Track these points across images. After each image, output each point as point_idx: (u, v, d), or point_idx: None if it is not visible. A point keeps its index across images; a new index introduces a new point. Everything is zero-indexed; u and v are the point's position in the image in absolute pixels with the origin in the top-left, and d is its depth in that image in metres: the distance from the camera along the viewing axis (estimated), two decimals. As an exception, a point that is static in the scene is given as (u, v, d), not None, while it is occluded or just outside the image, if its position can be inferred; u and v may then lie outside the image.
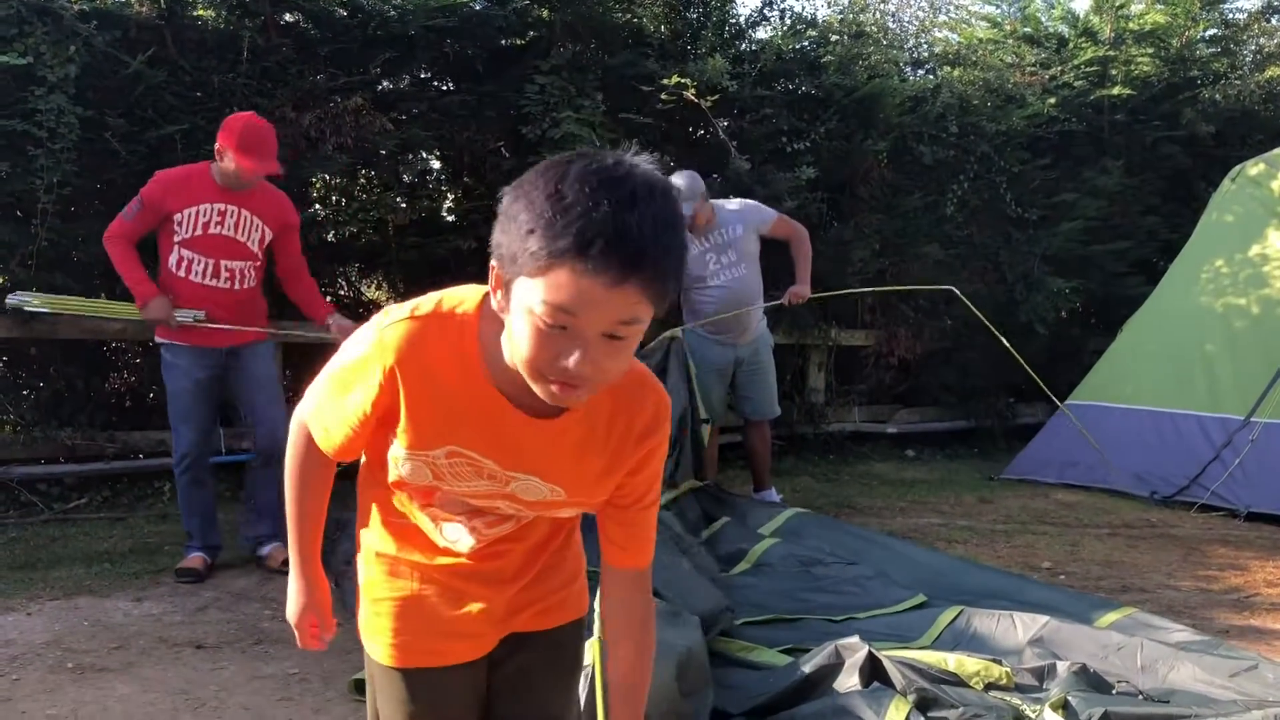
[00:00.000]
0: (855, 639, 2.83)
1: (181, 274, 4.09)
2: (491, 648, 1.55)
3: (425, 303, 1.35)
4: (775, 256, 5.64)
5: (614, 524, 1.50)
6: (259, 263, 4.26)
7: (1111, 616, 3.51)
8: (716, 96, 6.25)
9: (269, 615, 3.76)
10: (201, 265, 4.11)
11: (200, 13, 5.42)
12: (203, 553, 4.24)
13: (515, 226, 1.16)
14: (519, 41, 6.37)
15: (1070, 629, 3.23)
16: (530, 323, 1.17)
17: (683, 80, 6.10)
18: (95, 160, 5.09)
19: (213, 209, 4.08)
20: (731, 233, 5.31)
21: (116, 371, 5.88)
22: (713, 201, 5.36)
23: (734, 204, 5.47)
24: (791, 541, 4.35)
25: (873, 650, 2.76)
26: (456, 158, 6.47)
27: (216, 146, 4.05)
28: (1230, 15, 8.94)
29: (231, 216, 4.12)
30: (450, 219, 6.65)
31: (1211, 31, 8.85)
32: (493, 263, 1.23)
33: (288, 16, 5.68)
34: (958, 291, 5.62)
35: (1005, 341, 5.48)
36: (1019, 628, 3.25)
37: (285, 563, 3.15)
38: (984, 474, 7.06)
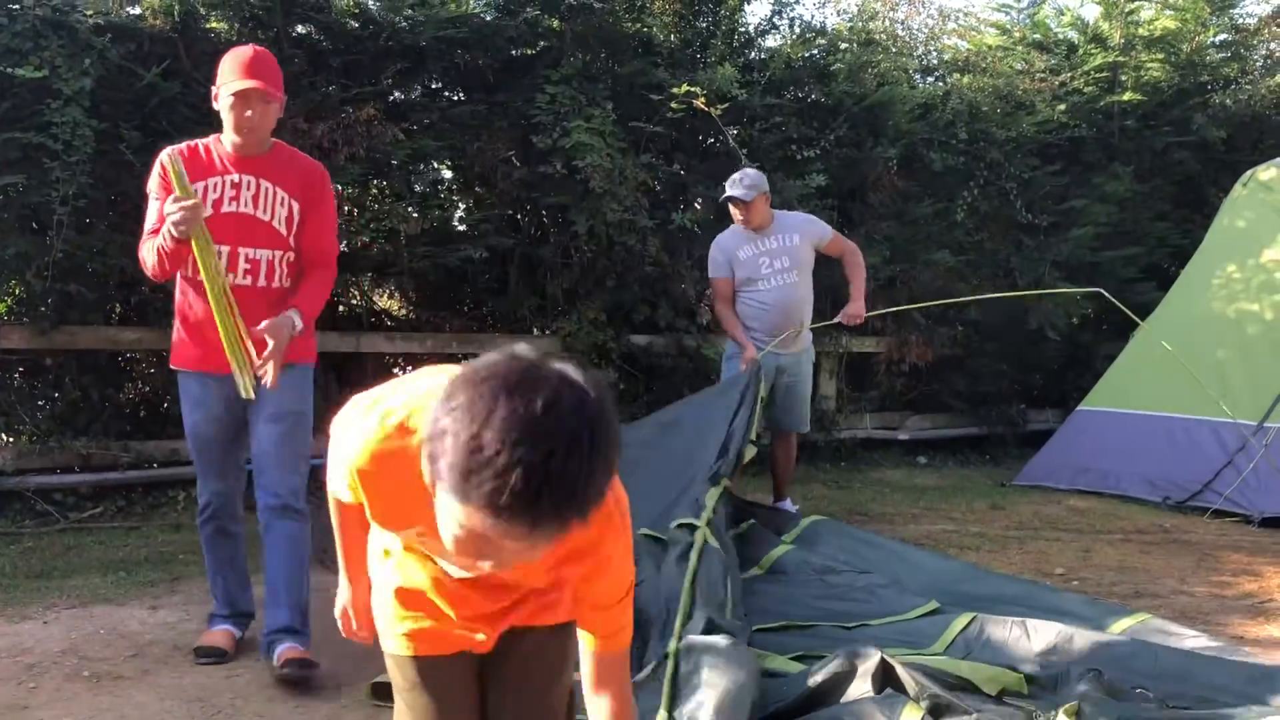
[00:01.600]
0: (868, 646, 2.84)
1: (192, 273, 3.19)
2: (494, 642, 1.70)
3: (393, 412, 1.43)
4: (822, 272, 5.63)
5: (587, 620, 1.62)
6: (291, 251, 3.29)
7: (1125, 623, 3.50)
8: (726, 105, 6.27)
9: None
10: (226, 261, 3.19)
11: (213, 25, 5.46)
12: (230, 624, 3.47)
13: (440, 445, 1.14)
14: (529, 51, 6.41)
15: (1084, 635, 3.22)
16: (450, 529, 1.19)
17: (693, 89, 6.12)
18: (110, 172, 5.14)
19: (224, 181, 3.22)
20: (788, 240, 5.29)
21: (131, 381, 5.92)
22: (774, 210, 5.37)
23: (795, 214, 5.50)
24: (806, 548, 4.35)
25: (885, 657, 2.76)
26: (468, 167, 6.50)
27: (213, 95, 3.27)
28: (1240, 20, 8.91)
29: (249, 189, 3.23)
30: (462, 228, 6.67)
31: (1222, 36, 8.84)
32: (426, 452, 1.18)
33: (300, 28, 5.72)
34: (1106, 293, 5.62)
35: (1168, 346, 5.64)
36: (1032, 634, 3.25)
37: (294, 662, 3.13)
38: (996, 480, 7.05)
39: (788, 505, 5.57)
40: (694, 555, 3.46)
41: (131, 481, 5.42)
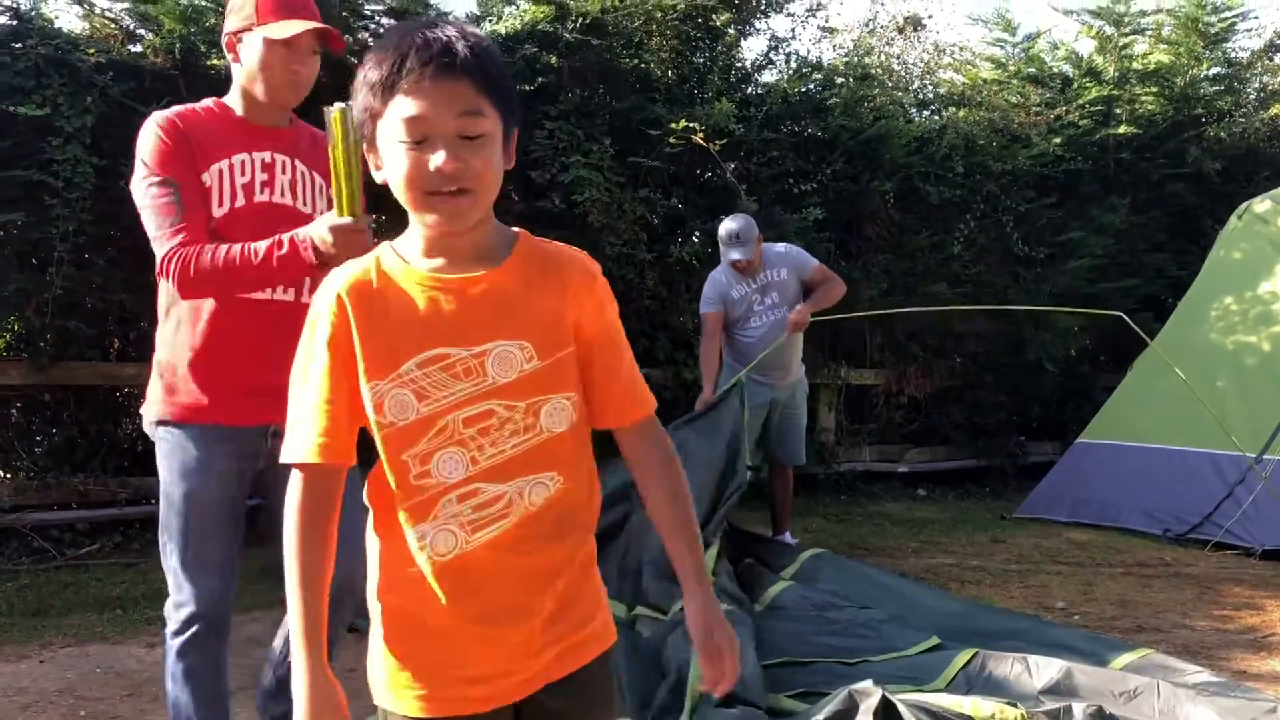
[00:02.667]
0: (869, 683, 2.81)
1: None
2: (520, 693, 1.48)
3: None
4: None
5: (598, 386, 1.52)
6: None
7: (1127, 658, 3.48)
8: (725, 140, 6.31)
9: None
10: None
11: (214, 62, 5.50)
12: None
13: (361, 85, 1.39)
14: (528, 87, 6.44)
15: (1086, 671, 3.20)
16: (400, 151, 1.35)
17: (691, 125, 6.16)
18: (109, 208, 5.15)
19: (253, 161, 2.42)
20: (776, 275, 5.35)
21: (128, 417, 5.90)
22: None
23: (780, 247, 5.51)
24: (805, 584, 4.34)
25: (887, 694, 2.74)
26: (466, 202, 6.51)
27: (226, 43, 2.46)
28: (1233, 54, 9.00)
29: (284, 170, 2.45)
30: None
31: (1215, 70, 8.92)
32: (364, 146, 1.45)
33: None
34: (1126, 318, 5.64)
35: (1180, 373, 5.58)
36: (1034, 670, 3.23)
37: None
38: (996, 513, 7.03)
39: (787, 538, 5.56)
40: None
41: (129, 517, 5.40)
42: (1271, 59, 9.11)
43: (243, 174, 2.41)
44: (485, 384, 1.41)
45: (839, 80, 7.61)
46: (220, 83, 5.41)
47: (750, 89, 7.30)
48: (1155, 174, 8.37)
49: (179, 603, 2.48)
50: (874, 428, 7.88)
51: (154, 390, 2.46)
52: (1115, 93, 8.38)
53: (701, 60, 7.00)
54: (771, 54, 7.41)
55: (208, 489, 2.44)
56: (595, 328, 1.50)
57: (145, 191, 2.38)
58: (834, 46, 9.27)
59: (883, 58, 9.13)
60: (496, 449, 1.43)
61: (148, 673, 3.59)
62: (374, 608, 1.51)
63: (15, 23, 5.09)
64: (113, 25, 5.47)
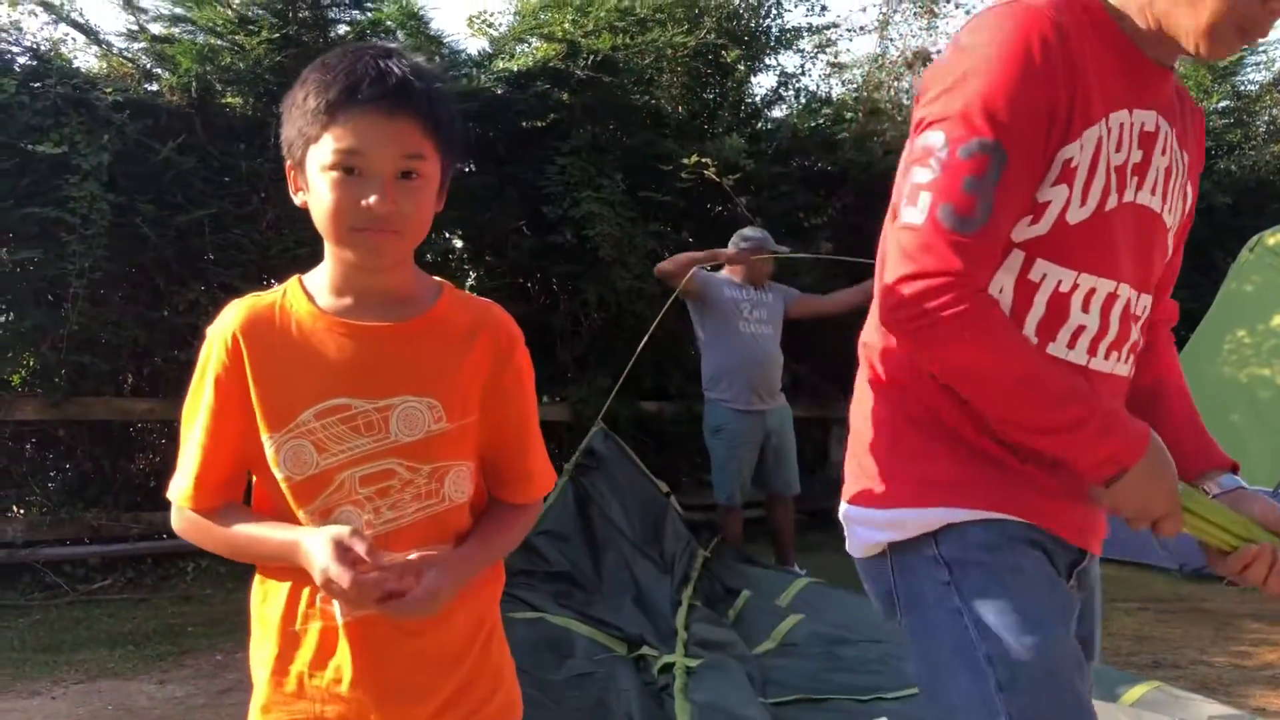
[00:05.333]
0: (883, 719, 2.80)
1: (1066, 347, 1.42)
2: None
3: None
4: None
5: (507, 462, 1.46)
6: None
7: (1138, 691, 3.44)
8: (738, 175, 6.34)
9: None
10: (1096, 319, 1.43)
11: (229, 100, 5.56)
12: None
13: (295, 109, 1.30)
14: (540, 124, 6.51)
15: (1096, 706, 3.17)
16: (327, 179, 1.27)
17: (704, 159, 6.20)
18: (125, 245, 5.20)
19: (1132, 126, 1.40)
20: (770, 296, 5.53)
21: (141, 452, 5.93)
22: None
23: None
24: (814, 619, 4.31)
25: (901, 731, 2.72)
26: (479, 237, 6.57)
27: None
28: (1242, 87, 9.02)
29: (1163, 150, 1.46)
30: (473, 297, 6.73)
31: (1224, 103, 8.94)
32: (287, 164, 1.35)
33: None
34: None
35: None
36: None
37: None
38: (1010, 547, 6.97)
39: (795, 571, 5.53)
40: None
41: (141, 553, 5.41)
42: (1280, 92, 9.14)
43: (1118, 148, 1.38)
44: (387, 441, 1.33)
45: (848, 115, 7.66)
46: (233, 121, 5.52)
47: (760, 124, 7.35)
48: (1166, 207, 8.37)
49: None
50: (886, 461, 7.84)
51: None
52: (1125, 127, 8.39)
53: (712, 96, 7.06)
54: (781, 89, 7.48)
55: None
56: (511, 396, 1.43)
57: (941, 153, 1.33)
58: (843, 82, 9.33)
59: (892, 92, 9.18)
60: (395, 513, 1.35)
61: (158, 710, 3.58)
62: (254, 669, 1.47)
63: (35, 63, 5.17)
64: (130, 64, 5.55)
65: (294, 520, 1.35)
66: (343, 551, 1.24)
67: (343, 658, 1.35)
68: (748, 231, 5.51)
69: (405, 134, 1.27)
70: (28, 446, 5.60)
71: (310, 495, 1.33)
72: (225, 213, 5.32)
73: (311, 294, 1.37)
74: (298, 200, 1.36)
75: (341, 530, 1.26)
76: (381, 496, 1.33)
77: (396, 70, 1.27)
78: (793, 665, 3.85)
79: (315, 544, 1.27)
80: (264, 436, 1.33)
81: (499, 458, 1.45)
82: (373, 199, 1.26)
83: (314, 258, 1.40)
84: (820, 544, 6.85)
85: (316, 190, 1.30)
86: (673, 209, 6.69)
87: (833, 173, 7.25)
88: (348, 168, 1.27)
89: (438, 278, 1.45)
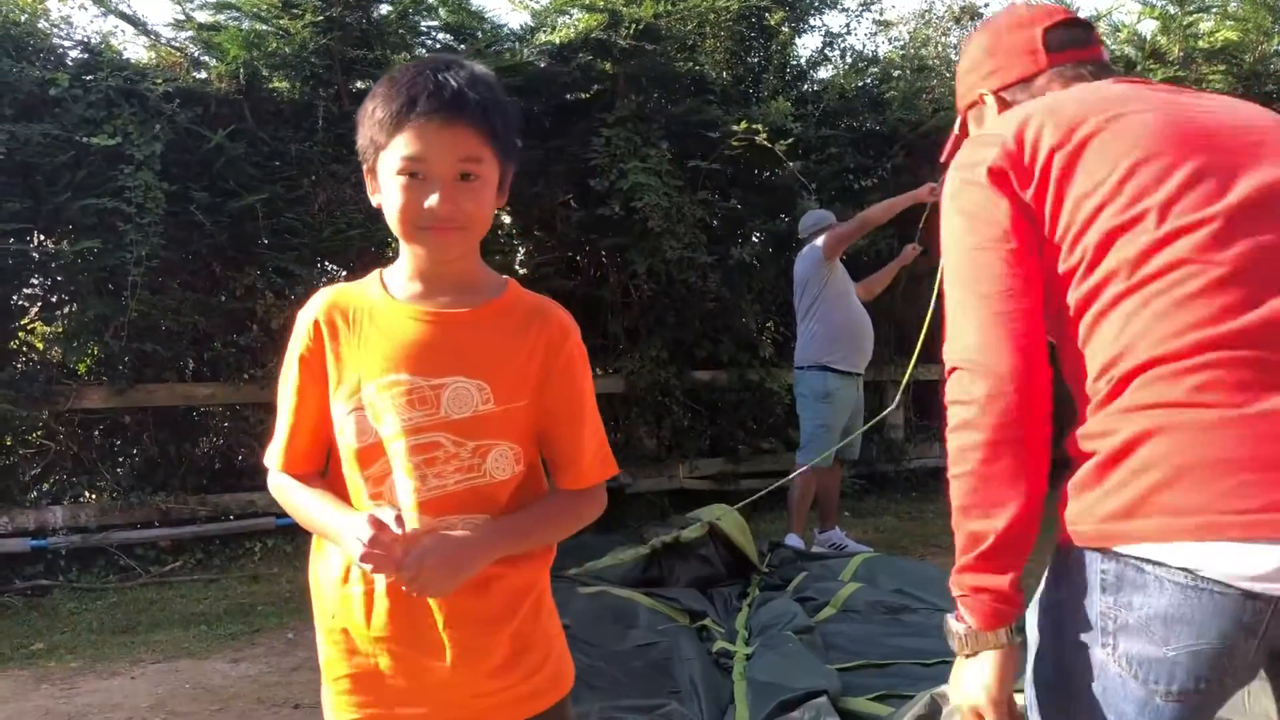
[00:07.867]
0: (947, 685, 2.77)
1: None
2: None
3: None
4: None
5: (561, 450, 1.54)
6: None
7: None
8: (791, 140, 6.26)
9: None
10: None
11: (276, 85, 5.61)
12: None
13: (366, 120, 1.44)
14: (584, 96, 6.48)
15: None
16: (396, 183, 1.40)
17: (753, 125, 6.13)
18: (180, 232, 5.28)
19: None
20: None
21: (205, 435, 6.04)
22: None
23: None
24: (875, 587, 4.28)
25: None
26: (526, 212, 6.57)
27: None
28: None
29: None
30: (522, 272, 6.74)
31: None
32: (364, 168, 1.48)
33: (359, 84, 5.84)
34: None
35: None
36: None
37: None
38: (1073, 506, 6.89)
39: (837, 535, 5.51)
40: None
41: (209, 534, 5.52)
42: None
43: None
44: (437, 416, 1.44)
45: (896, 73, 7.54)
46: (281, 106, 5.56)
47: (806, 86, 7.26)
48: (1227, 154, 8.16)
49: None
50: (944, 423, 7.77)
51: None
52: (1181, 74, 8.16)
53: (756, 60, 6.98)
54: (826, 50, 7.38)
55: None
56: (561, 384, 1.51)
57: None
58: (889, 39, 9.17)
59: (939, 48, 9.01)
60: (440, 481, 1.45)
61: (234, 687, 3.66)
62: (319, 636, 1.58)
63: (86, 56, 5.24)
64: (178, 54, 5.61)
65: (358, 483, 1.48)
66: (365, 529, 1.35)
67: (381, 615, 1.47)
68: (818, 213, 5.50)
69: (461, 140, 1.40)
70: (96, 433, 5.73)
71: (369, 461, 1.47)
72: (277, 197, 5.38)
73: (386, 284, 1.51)
74: (374, 201, 1.49)
75: (377, 513, 1.38)
76: (428, 466, 1.45)
77: (453, 82, 1.40)
78: (854, 630, 3.83)
79: (349, 526, 1.40)
80: (334, 408, 1.48)
81: (550, 443, 1.55)
82: (434, 199, 1.39)
83: (365, 239, 1.48)
84: (879, 508, 6.83)
85: (387, 193, 1.43)
86: (720, 176, 6.65)
87: (882, 132, 7.15)
88: (412, 172, 1.40)
89: (506, 276, 1.55)
